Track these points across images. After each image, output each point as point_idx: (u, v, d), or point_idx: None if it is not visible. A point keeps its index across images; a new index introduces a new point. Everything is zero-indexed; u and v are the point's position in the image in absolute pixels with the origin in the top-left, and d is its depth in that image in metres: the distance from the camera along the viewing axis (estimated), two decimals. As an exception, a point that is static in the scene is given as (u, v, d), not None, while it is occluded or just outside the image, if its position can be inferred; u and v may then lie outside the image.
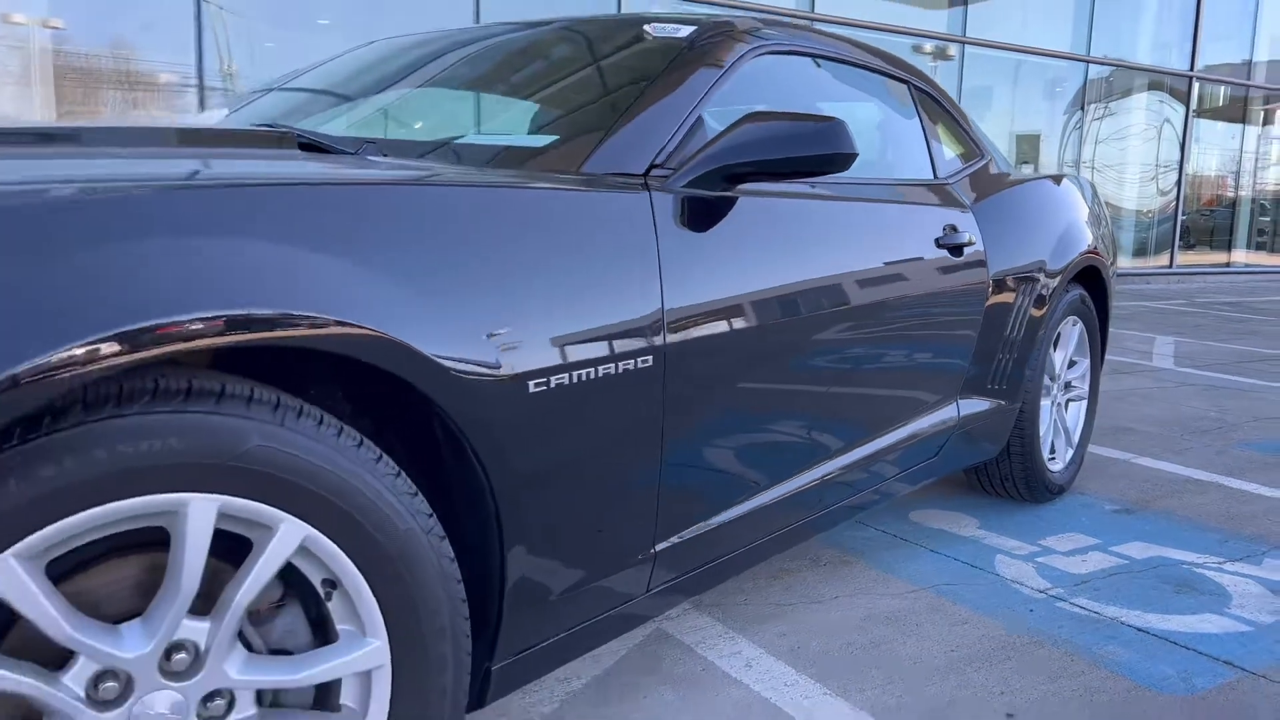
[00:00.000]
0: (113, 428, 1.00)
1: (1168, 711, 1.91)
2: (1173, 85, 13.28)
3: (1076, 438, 3.38)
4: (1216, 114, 14.20)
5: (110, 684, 1.05)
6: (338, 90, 2.34)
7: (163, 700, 1.09)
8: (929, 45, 10.79)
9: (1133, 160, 13.13)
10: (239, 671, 1.13)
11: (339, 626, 1.21)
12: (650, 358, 1.56)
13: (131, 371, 1.03)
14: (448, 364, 1.24)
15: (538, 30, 2.26)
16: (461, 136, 1.95)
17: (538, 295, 1.39)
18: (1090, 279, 3.32)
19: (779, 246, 1.89)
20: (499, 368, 1.31)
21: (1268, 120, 15.03)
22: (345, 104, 2.25)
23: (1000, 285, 2.73)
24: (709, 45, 2.01)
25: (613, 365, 1.49)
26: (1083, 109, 12.36)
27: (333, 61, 2.56)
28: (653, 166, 1.72)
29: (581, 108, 1.91)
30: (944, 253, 2.47)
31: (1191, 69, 13.32)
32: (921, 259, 2.36)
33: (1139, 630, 2.28)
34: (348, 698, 1.22)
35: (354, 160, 1.57)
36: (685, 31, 2.07)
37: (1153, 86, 13.17)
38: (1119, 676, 2.05)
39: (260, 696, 1.18)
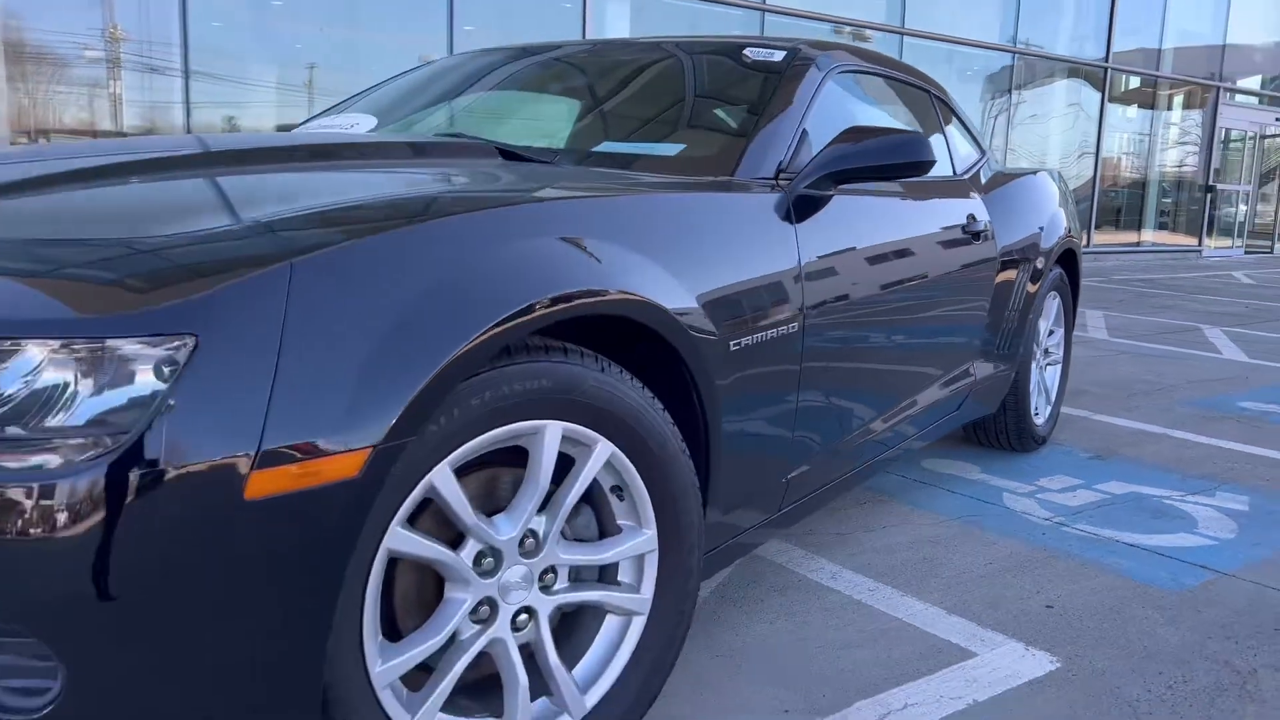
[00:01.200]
0: (513, 371, 1.39)
1: (1166, 601, 2.42)
2: (1089, 73, 14.11)
3: (1054, 396, 3.92)
4: (1127, 99, 15.10)
5: (489, 560, 1.45)
6: (475, 100, 2.70)
7: (518, 573, 1.49)
8: (847, 31, 11.34)
9: (1053, 144, 13.94)
10: (563, 553, 1.54)
11: (620, 522, 1.62)
12: (795, 324, 2.00)
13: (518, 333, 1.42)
14: (684, 323, 1.65)
15: (648, 50, 2.66)
16: (619, 146, 2.33)
17: (730, 274, 1.82)
18: (1067, 259, 3.85)
19: (865, 233, 2.33)
20: (714, 330, 1.74)
21: (1169, 105, 16.01)
22: (492, 113, 2.63)
23: (1005, 266, 3.22)
24: (801, 68, 2.44)
25: (776, 329, 1.93)
26: (1009, 95, 13.09)
27: (450, 71, 2.91)
28: (779, 172, 2.15)
29: (714, 123, 2.32)
30: (969, 238, 2.94)
31: (1106, 59, 14.17)
32: (955, 243, 2.84)
33: (1130, 546, 2.80)
34: (625, 575, 1.64)
35: (562, 169, 1.97)
36: (779, 56, 2.49)
37: (1071, 74, 13.98)
38: (1125, 578, 2.56)
39: (570, 573, 1.59)
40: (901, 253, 2.50)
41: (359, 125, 2.60)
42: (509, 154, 2.10)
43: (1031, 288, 3.41)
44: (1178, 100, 16.07)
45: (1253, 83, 17.03)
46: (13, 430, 1.06)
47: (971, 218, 3.01)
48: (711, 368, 1.74)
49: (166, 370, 1.08)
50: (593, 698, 1.59)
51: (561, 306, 1.42)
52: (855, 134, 2.18)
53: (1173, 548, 2.80)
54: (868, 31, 11.38)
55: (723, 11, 10.24)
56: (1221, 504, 3.21)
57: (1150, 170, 15.82)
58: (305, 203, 1.40)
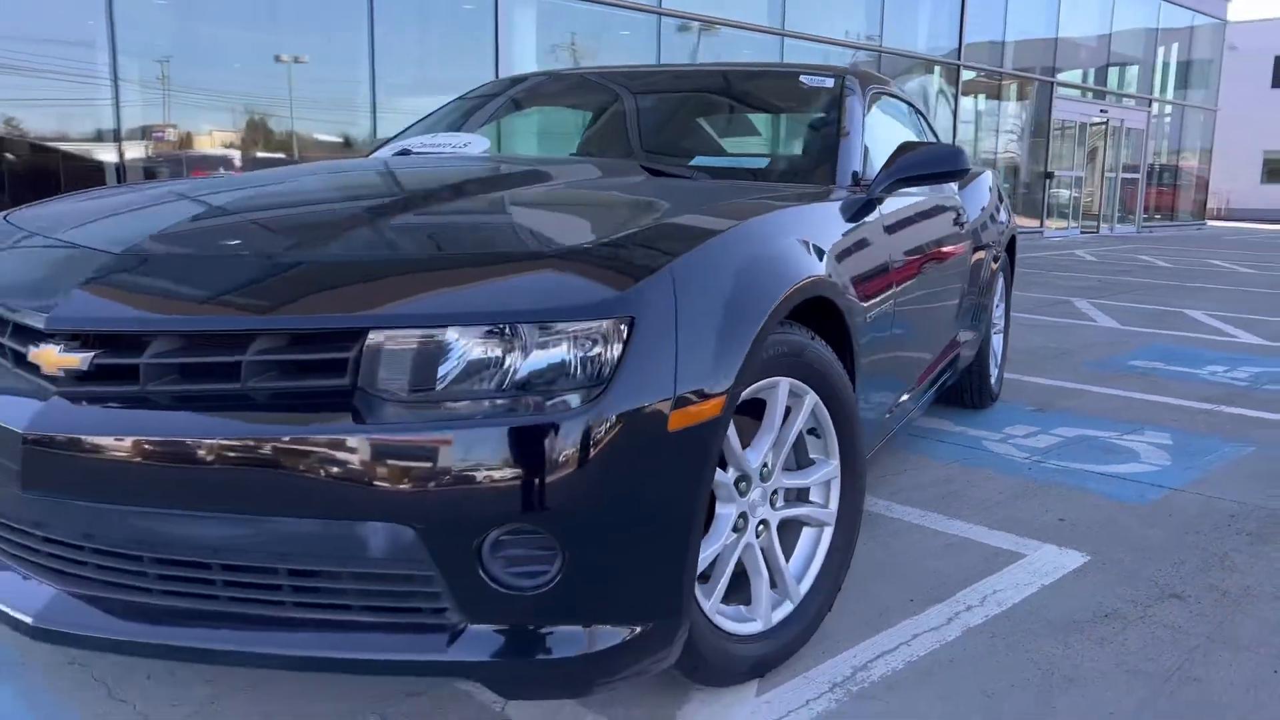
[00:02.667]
0: (772, 339, 1.86)
1: (1141, 511, 3.08)
2: (944, 69, 15.28)
3: (1000, 360, 4.61)
4: (973, 89, 16.39)
5: (743, 483, 1.92)
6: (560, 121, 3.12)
7: (759, 493, 1.96)
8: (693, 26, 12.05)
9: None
10: (785, 479, 2.02)
11: (813, 456, 2.11)
12: (890, 296, 2.53)
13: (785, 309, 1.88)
14: (849, 299, 2.16)
15: (718, 77, 3.13)
16: (737, 162, 2.80)
17: (859, 260, 2.34)
18: (1010, 244, 4.54)
19: (909, 226, 2.89)
20: (860, 303, 2.25)
21: (1011, 97, 17.46)
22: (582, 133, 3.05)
23: (977, 249, 3.85)
24: (850, 92, 2.97)
25: (881, 300, 2.46)
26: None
27: (532, 95, 3.30)
28: (858, 179, 2.68)
29: (799, 141, 2.82)
30: (958, 227, 3.55)
31: (959, 56, 15.37)
32: (952, 230, 3.43)
33: (1099, 474, 3.47)
34: (815, 496, 2.13)
35: (716, 184, 2.44)
36: (830, 82, 3.01)
37: (928, 70, 15.11)
38: (1105, 498, 3.21)
39: (786, 495, 2.07)
40: (928, 240, 3.07)
41: (471, 145, 2.98)
42: (652, 171, 2.55)
43: (993, 266, 4.07)
44: (1015, 91, 17.51)
45: (1077, 75, 18.69)
46: (544, 388, 1.48)
47: (958, 210, 3.62)
48: (859, 334, 2.25)
49: (621, 342, 1.51)
50: (803, 588, 2.08)
51: (803, 286, 1.90)
52: (910, 147, 2.72)
53: (1130, 474, 3.48)
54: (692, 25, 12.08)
55: (624, 15, 10.73)
56: (1151, 440, 3.94)
57: (996, 158, 17.19)
58: (624, 215, 1.84)
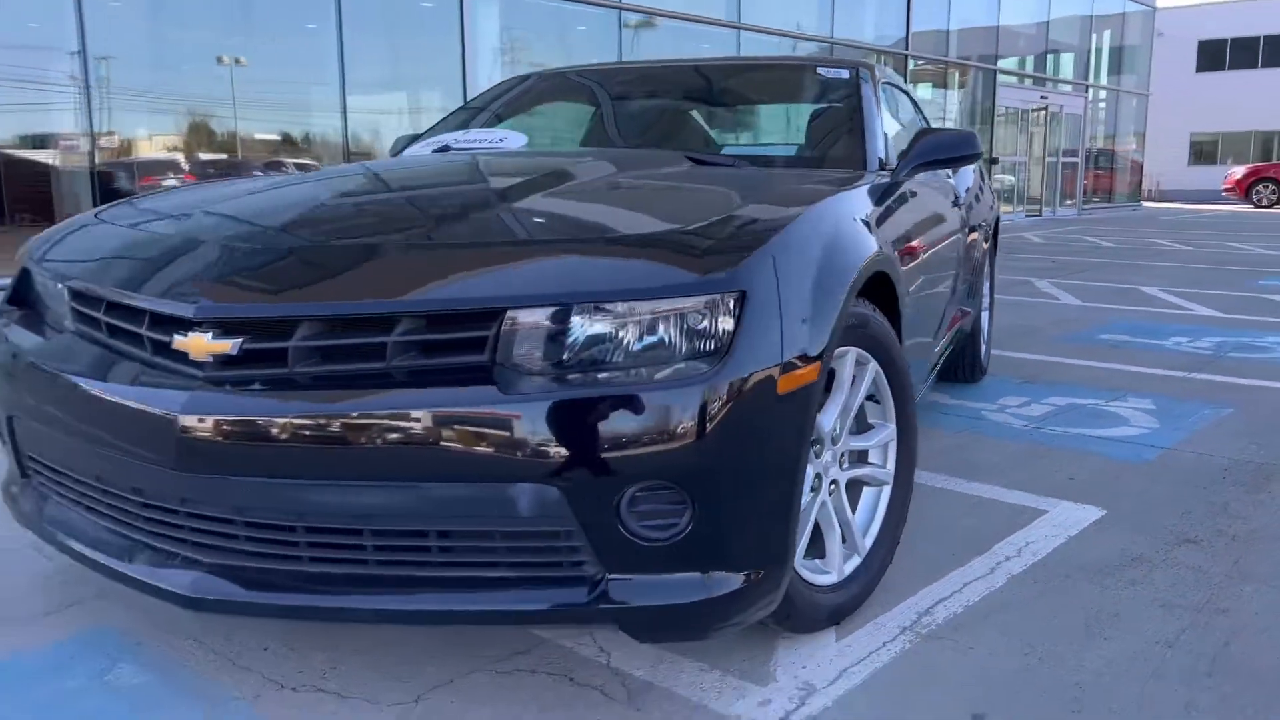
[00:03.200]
0: (852, 309, 2.02)
1: (1142, 469, 3.31)
2: (893, 59, 15.62)
3: (988, 336, 4.84)
4: (920, 78, 16.77)
5: (818, 445, 2.08)
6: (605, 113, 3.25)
7: (830, 456, 2.12)
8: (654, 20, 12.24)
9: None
10: (852, 442, 2.19)
11: (871, 420, 2.28)
12: (919, 278, 2.71)
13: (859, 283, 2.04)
14: (900, 271, 2.34)
15: (743, 70, 3.29)
16: (773, 150, 2.96)
17: (896, 236, 2.51)
18: (995, 226, 4.77)
19: (926, 204, 3.08)
20: (904, 278, 2.43)
21: (956, 85, 17.89)
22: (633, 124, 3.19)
23: (972, 230, 4.06)
24: (864, 83, 3.15)
25: (914, 275, 2.64)
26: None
27: (561, 90, 3.43)
28: (883, 164, 2.86)
29: (828, 128, 2.99)
30: (958, 208, 3.75)
31: (906, 46, 15.72)
32: (952, 211, 3.63)
33: (1095, 437, 3.69)
34: (874, 458, 2.30)
35: (754, 169, 2.59)
36: (846, 73, 3.19)
37: (877, 60, 15.43)
38: (1106, 458, 3.44)
39: (850, 456, 2.24)
40: (938, 221, 3.26)
41: (507, 141, 3.10)
42: (695, 160, 2.69)
43: (984, 246, 4.28)
44: (959, 79, 17.93)
45: (1018, 63, 19.19)
46: (671, 357, 1.62)
47: (956, 193, 3.82)
48: (906, 305, 2.42)
49: (736, 314, 1.66)
50: (868, 542, 2.25)
51: (870, 262, 2.07)
52: (927, 132, 2.90)
53: (1124, 436, 3.71)
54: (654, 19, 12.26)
55: (585, 10, 10.84)
56: (1136, 406, 4.19)
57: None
58: (713, 199, 1.99)
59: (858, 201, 2.29)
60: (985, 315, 4.84)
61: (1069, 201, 21.94)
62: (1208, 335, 6.04)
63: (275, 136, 8.94)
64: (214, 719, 1.81)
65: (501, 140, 3.12)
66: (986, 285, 4.78)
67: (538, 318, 1.64)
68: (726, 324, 1.66)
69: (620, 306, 1.64)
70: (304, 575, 1.72)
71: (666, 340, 1.65)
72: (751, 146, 2.98)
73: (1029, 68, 19.38)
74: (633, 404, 1.59)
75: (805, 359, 1.75)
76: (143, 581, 1.79)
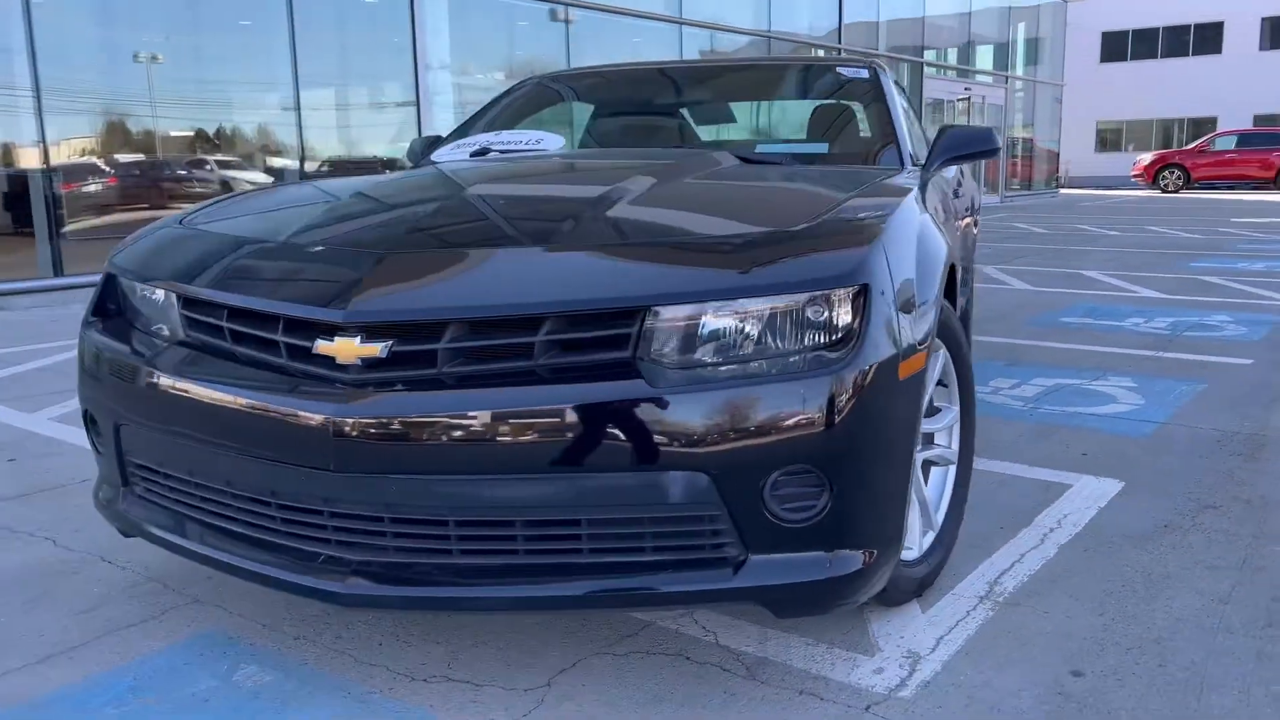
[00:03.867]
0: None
1: (1145, 444, 3.52)
2: (827, 52, 15.92)
3: (970, 316, 5.04)
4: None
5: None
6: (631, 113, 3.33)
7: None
8: (572, 13, 12.34)
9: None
10: (924, 424, 2.32)
11: (937, 404, 2.41)
12: (960, 256, 2.86)
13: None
14: (962, 263, 2.47)
15: (773, 69, 3.40)
16: (817, 148, 3.06)
17: (950, 226, 2.65)
18: (977, 212, 4.97)
19: (943, 197, 3.23)
20: (961, 263, 2.56)
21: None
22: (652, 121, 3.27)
23: (963, 217, 4.24)
24: (882, 82, 3.29)
25: (956, 259, 2.78)
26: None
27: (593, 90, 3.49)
28: (914, 159, 3.00)
29: (861, 128, 3.12)
30: (957, 198, 3.93)
31: (839, 40, 16.03)
32: (954, 200, 3.80)
33: (1091, 415, 3.91)
34: (940, 440, 2.44)
35: (811, 168, 2.70)
36: (865, 72, 3.32)
37: (811, 51, 15.71)
38: (1108, 433, 3.64)
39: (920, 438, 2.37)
40: (951, 207, 3.42)
41: (544, 142, 3.16)
42: (743, 159, 2.79)
43: (975, 232, 4.48)
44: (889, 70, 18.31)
45: (944, 54, 19.69)
46: (806, 348, 1.72)
47: (952, 181, 3.99)
48: (962, 294, 2.57)
49: (860, 306, 1.77)
50: (939, 518, 2.39)
51: (949, 253, 2.20)
52: (949, 128, 3.05)
53: (1117, 413, 3.93)
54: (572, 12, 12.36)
55: (530, 6, 10.84)
56: (1118, 384, 4.43)
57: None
58: (811, 197, 2.10)
59: (920, 197, 2.42)
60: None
61: (990, 189, 22.60)
62: (1160, 316, 6.36)
63: (194, 133, 8.78)
64: (356, 711, 1.86)
65: (539, 141, 3.18)
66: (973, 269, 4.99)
67: (679, 314, 1.73)
68: (853, 316, 1.77)
69: (756, 302, 1.74)
70: (454, 568, 1.78)
71: (800, 332, 1.75)
72: (784, 144, 3.09)
73: (952, 59, 19.91)
74: (776, 393, 1.69)
75: (914, 348, 1.87)
76: (289, 582, 1.82)
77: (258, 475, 1.86)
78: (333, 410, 1.72)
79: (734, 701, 1.87)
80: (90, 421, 2.22)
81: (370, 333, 1.75)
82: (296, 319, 1.82)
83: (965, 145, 3.00)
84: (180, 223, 2.34)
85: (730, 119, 3.32)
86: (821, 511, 1.75)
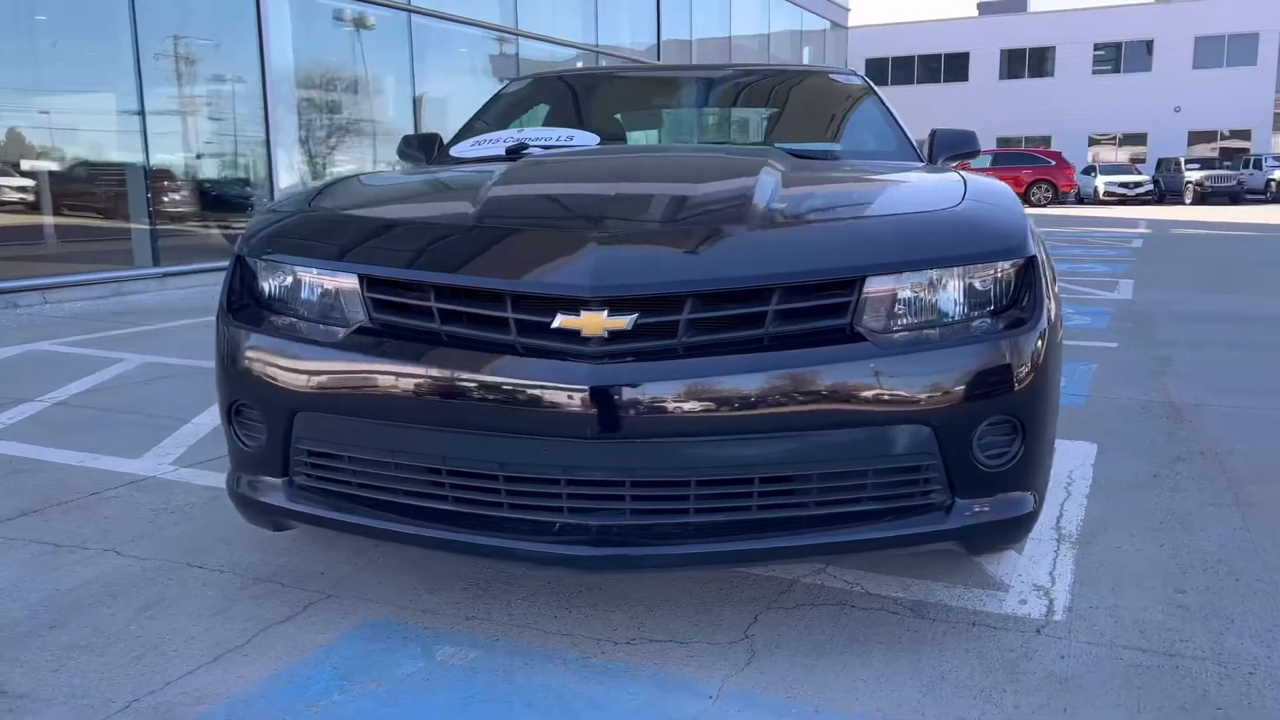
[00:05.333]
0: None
1: (1082, 413, 3.98)
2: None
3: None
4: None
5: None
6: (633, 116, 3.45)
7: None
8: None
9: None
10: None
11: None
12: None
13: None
14: None
15: (778, 75, 3.61)
16: (848, 146, 3.28)
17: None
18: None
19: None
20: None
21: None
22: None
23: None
24: (870, 85, 3.59)
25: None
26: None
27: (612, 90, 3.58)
28: (920, 156, 3.31)
29: (870, 127, 3.38)
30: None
31: (659, 55, 16.56)
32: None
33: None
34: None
35: (855, 162, 2.94)
36: (856, 79, 3.60)
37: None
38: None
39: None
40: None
41: (577, 139, 3.24)
42: (793, 153, 3.00)
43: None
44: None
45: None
46: (1001, 311, 1.94)
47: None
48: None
49: (1031, 275, 2.01)
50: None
51: None
52: (940, 131, 3.38)
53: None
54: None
55: (375, 10, 10.63)
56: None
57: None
58: (939, 182, 2.32)
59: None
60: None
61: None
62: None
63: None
64: (586, 674, 1.92)
65: (571, 139, 3.25)
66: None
67: (892, 282, 1.91)
68: (1032, 281, 2.01)
69: (958, 270, 1.95)
70: (692, 526, 1.88)
71: (997, 297, 1.98)
72: (813, 144, 3.31)
73: (755, 78, 21.00)
74: (985, 351, 1.91)
75: (1056, 314, 2.14)
76: (529, 551, 1.86)
77: (483, 450, 1.89)
78: (589, 380, 1.78)
79: (922, 637, 2.07)
80: (234, 414, 2.14)
81: (616, 306, 1.83)
82: (532, 295, 1.86)
83: (957, 145, 3.34)
84: (311, 205, 2.28)
85: (729, 123, 3.52)
86: (1014, 458, 1.98)
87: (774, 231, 1.98)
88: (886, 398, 1.86)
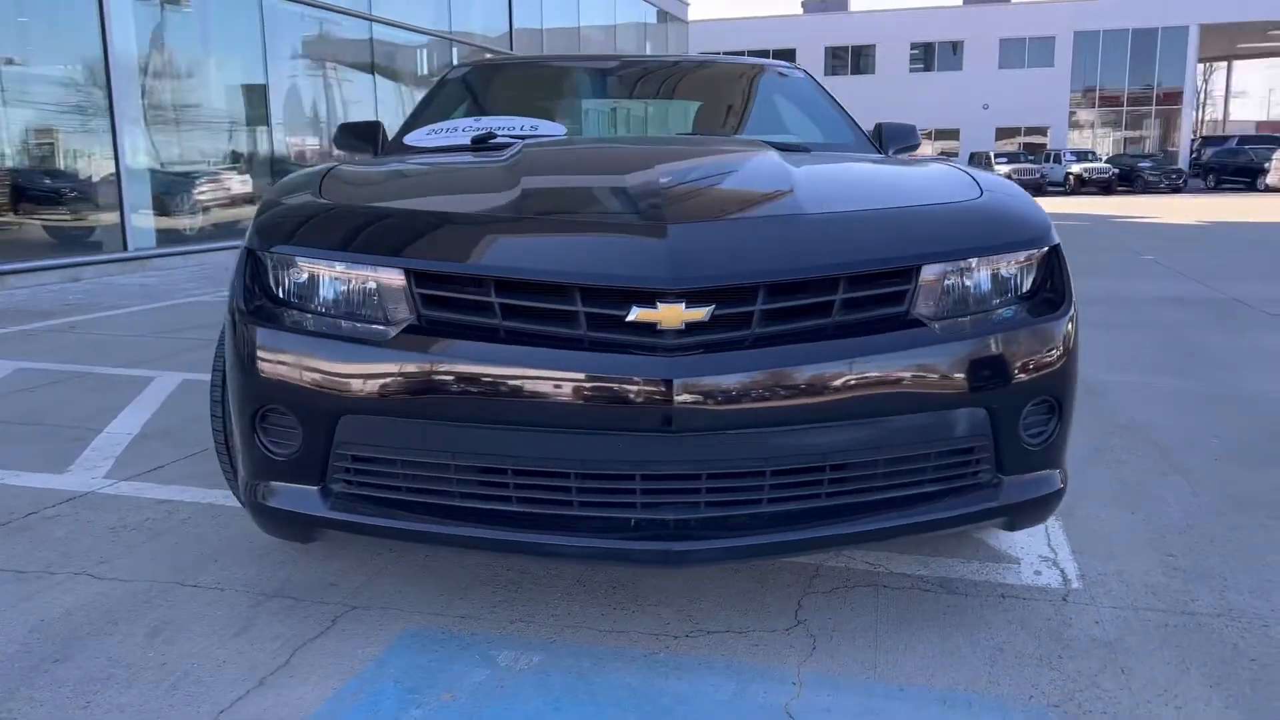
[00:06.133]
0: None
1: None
2: (496, 55, 16.21)
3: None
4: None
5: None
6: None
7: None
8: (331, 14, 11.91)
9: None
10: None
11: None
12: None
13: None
14: None
15: (735, 68, 3.62)
16: (823, 138, 3.32)
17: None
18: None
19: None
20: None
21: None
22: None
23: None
24: (814, 78, 3.67)
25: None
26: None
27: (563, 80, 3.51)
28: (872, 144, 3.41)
29: (829, 118, 3.45)
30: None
31: (510, 44, 16.37)
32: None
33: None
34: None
35: (832, 153, 3.01)
36: (800, 73, 3.68)
37: (483, 54, 15.92)
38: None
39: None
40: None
41: (541, 129, 3.18)
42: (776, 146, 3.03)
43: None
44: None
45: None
46: (1041, 297, 2.03)
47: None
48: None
49: (1059, 261, 2.11)
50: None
51: None
52: (884, 124, 3.50)
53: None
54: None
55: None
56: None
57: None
58: (941, 173, 2.39)
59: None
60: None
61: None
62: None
63: None
64: (658, 669, 1.90)
65: (536, 128, 3.18)
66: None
67: (944, 270, 1.97)
68: (1057, 268, 2.11)
69: (997, 258, 2.02)
70: (765, 516, 1.89)
71: (1028, 283, 2.07)
72: (780, 136, 3.35)
73: (602, 69, 21.05)
74: (1032, 335, 2.00)
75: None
76: (607, 549, 1.82)
77: (553, 447, 1.84)
78: (670, 373, 1.76)
79: (963, 612, 2.15)
80: (259, 421, 2.00)
81: (693, 298, 1.81)
82: (605, 289, 1.82)
83: (904, 138, 3.46)
84: (322, 201, 2.14)
85: (689, 115, 3.53)
86: (1050, 436, 2.08)
87: (834, 222, 2.00)
88: (950, 382, 1.91)
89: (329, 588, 2.28)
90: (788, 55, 44.19)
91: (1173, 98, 41.60)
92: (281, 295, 2.03)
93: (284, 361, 1.95)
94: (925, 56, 43.65)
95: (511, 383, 1.82)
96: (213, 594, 2.25)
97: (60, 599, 2.22)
